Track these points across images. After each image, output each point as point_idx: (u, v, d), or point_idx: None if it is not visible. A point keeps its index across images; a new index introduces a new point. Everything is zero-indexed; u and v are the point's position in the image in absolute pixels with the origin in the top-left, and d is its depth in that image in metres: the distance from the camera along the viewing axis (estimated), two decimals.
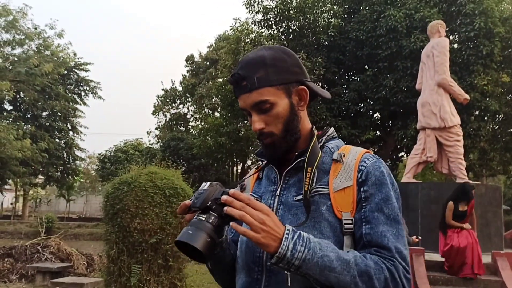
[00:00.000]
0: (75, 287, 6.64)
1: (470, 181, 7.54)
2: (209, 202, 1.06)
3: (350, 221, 1.12)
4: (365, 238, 1.11)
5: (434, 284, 7.19)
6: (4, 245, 10.03)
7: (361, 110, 16.67)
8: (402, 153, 19.00)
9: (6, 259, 8.99)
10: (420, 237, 6.26)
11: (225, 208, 1.01)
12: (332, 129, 1.29)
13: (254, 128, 1.18)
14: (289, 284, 1.08)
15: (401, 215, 1.17)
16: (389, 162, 19.99)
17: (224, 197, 1.02)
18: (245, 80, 1.15)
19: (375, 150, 18.45)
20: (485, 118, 15.67)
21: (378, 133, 18.05)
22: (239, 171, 24.53)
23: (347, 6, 16.60)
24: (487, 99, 14.44)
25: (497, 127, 17.44)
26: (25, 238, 12.53)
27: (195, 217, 1.05)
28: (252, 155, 22.99)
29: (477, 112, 15.04)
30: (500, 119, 16.92)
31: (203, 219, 1.04)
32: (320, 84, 16.78)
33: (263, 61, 1.15)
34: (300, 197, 1.16)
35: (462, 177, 9.76)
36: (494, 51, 14.02)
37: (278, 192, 1.21)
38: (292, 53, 1.21)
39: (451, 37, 15.10)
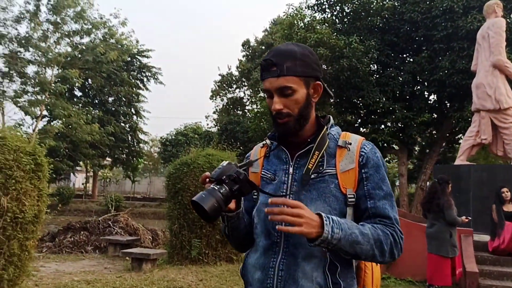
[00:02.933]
0: (142, 256, 7.42)
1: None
2: (224, 177, 1.29)
3: (353, 196, 1.38)
4: (370, 211, 1.38)
5: (482, 264, 7.31)
6: (79, 220, 11.11)
7: (416, 92, 16.41)
8: (461, 135, 18.46)
9: (82, 232, 10.04)
10: (470, 218, 6.28)
11: (270, 217, 1.23)
12: (331, 117, 1.51)
13: (273, 108, 1.37)
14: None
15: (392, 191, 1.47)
16: (445, 145, 19.49)
17: (267, 209, 1.24)
18: (275, 66, 1.34)
19: (431, 132, 18.11)
20: None
21: (435, 115, 17.66)
22: None
23: None
24: None
25: None
26: (96, 215, 13.63)
27: (210, 186, 1.29)
28: None
29: None
30: None
31: (216, 188, 1.26)
32: (374, 67, 16.69)
33: (293, 54, 1.35)
34: (313, 176, 1.38)
35: None
36: None
37: (291, 170, 1.42)
38: (314, 53, 1.42)
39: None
